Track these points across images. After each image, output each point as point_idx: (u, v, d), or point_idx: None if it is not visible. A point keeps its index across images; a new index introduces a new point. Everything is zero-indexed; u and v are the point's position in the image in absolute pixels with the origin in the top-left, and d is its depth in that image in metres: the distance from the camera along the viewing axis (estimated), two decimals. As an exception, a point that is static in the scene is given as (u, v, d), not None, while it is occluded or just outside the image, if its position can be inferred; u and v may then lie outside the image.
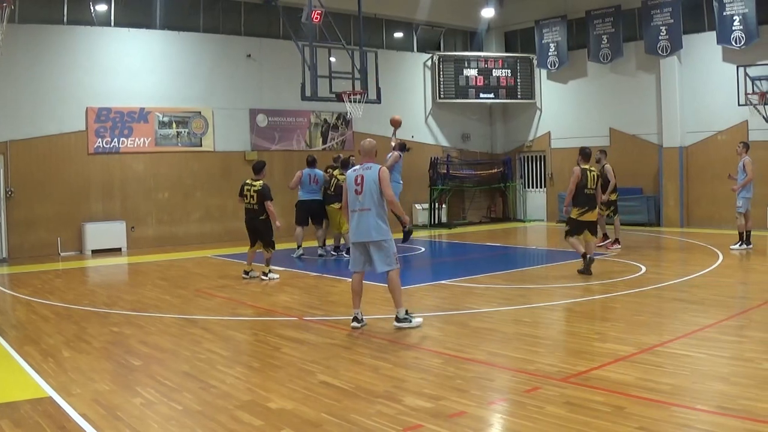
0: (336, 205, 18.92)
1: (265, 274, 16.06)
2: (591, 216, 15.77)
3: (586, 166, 15.83)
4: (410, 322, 10.73)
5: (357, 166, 11.01)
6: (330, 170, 19.96)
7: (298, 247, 19.68)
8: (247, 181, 16.12)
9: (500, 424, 6.81)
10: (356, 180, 10.71)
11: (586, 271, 15.26)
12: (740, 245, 18.85)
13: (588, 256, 15.38)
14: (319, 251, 19.55)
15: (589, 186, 15.41)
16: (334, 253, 19.63)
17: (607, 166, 19.75)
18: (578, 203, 15.64)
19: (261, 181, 15.83)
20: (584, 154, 16.11)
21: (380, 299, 12.96)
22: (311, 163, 19.75)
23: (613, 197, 19.70)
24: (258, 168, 16.25)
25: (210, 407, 7.27)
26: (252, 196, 15.83)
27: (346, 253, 19.27)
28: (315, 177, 19.50)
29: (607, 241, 19.84)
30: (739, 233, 19.03)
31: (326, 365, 8.75)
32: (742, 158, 19.02)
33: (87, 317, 12.22)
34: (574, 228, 15.79)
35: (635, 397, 7.12)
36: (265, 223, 15.93)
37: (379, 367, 8.58)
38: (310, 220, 20.06)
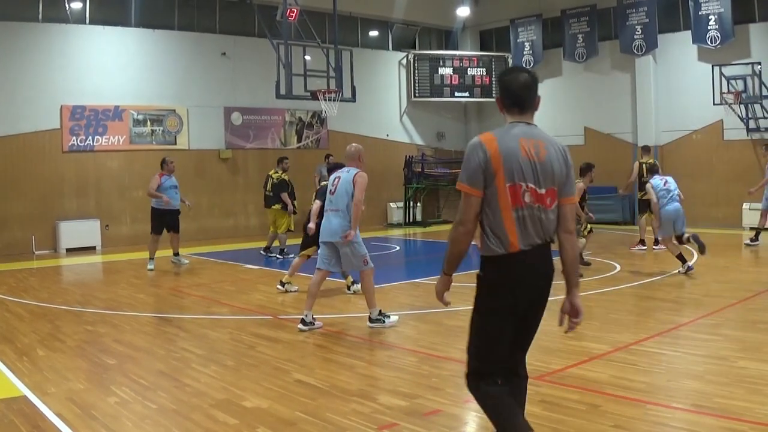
0: (277, 206, 18.98)
1: None
2: None
3: None
4: (384, 321, 10.69)
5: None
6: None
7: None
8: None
9: (475, 422, 6.82)
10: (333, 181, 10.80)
11: None
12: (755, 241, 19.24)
13: None
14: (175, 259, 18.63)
15: None
16: (263, 253, 19.50)
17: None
18: None
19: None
20: None
21: (355, 297, 12.96)
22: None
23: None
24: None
25: (185, 406, 7.25)
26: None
27: (279, 255, 19.20)
28: None
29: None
30: (757, 230, 19.34)
31: (301, 364, 8.75)
32: None
33: (61, 316, 12.17)
34: None
35: (610, 396, 7.15)
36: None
37: (354, 366, 8.58)
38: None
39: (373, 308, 10.73)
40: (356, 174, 10.64)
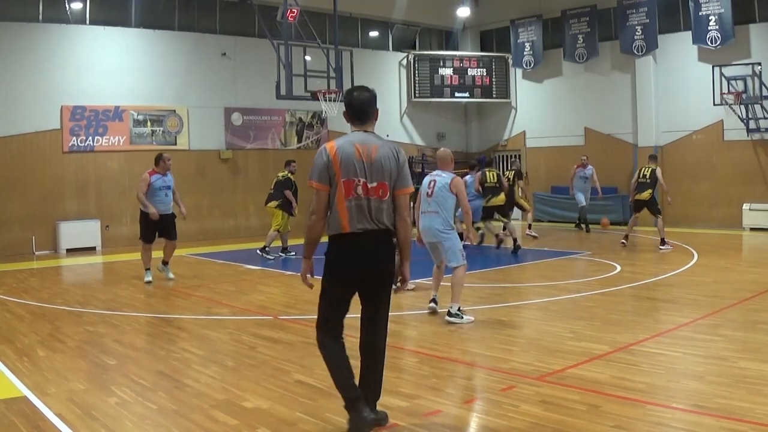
0: (273, 204, 19.02)
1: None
2: None
3: None
4: (461, 318, 11.02)
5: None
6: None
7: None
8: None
9: (475, 422, 6.82)
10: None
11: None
12: None
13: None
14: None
15: None
16: (259, 252, 19.37)
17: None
18: None
19: None
20: None
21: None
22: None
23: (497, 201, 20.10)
24: None
25: (185, 406, 7.25)
26: None
27: (282, 252, 19.27)
28: None
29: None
30: None
31: (301, 364, 8.74)
32: None
33: (62, 316, 12.16)
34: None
35: (610, 396, 7.15)
36: None
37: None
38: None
39: (456, 303, 11.12)
40: (452, 180, 11.34)
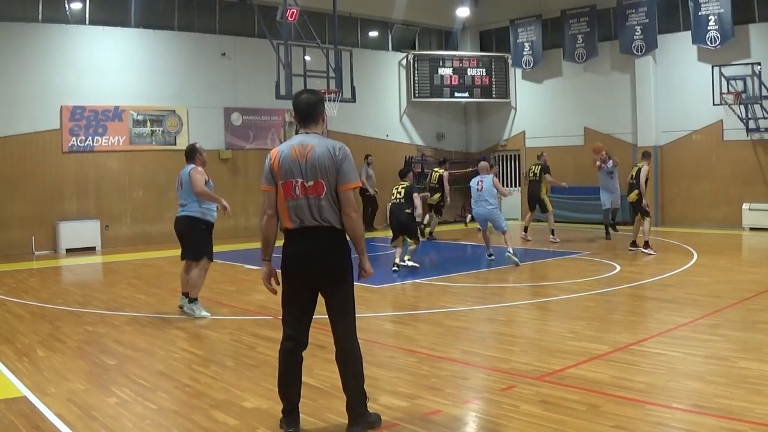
0: None
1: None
2: None
3: None
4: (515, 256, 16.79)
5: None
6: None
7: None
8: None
9: (475, 422, 6.82)
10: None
11: None
12: None
13: None
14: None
15: None
16: None
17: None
18: None
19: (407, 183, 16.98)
20: None
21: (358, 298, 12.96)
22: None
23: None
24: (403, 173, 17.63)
25: (185, 406, 7.25)
26: (399, 192, 16.59)
27: None
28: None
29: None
30: None
31: (302, 364, 8.74)
32: None
33: (61, 316, 12.15)
34: None
35: (610, 396, 7.15)
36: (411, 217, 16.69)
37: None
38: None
39: (511, 247, 16.93)
40: (493, 180, 17.45)
